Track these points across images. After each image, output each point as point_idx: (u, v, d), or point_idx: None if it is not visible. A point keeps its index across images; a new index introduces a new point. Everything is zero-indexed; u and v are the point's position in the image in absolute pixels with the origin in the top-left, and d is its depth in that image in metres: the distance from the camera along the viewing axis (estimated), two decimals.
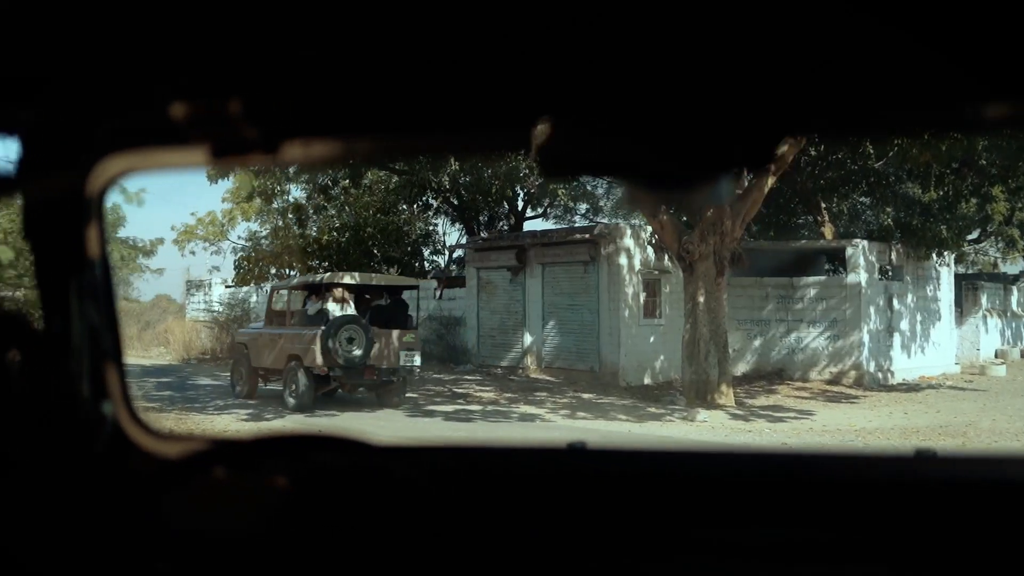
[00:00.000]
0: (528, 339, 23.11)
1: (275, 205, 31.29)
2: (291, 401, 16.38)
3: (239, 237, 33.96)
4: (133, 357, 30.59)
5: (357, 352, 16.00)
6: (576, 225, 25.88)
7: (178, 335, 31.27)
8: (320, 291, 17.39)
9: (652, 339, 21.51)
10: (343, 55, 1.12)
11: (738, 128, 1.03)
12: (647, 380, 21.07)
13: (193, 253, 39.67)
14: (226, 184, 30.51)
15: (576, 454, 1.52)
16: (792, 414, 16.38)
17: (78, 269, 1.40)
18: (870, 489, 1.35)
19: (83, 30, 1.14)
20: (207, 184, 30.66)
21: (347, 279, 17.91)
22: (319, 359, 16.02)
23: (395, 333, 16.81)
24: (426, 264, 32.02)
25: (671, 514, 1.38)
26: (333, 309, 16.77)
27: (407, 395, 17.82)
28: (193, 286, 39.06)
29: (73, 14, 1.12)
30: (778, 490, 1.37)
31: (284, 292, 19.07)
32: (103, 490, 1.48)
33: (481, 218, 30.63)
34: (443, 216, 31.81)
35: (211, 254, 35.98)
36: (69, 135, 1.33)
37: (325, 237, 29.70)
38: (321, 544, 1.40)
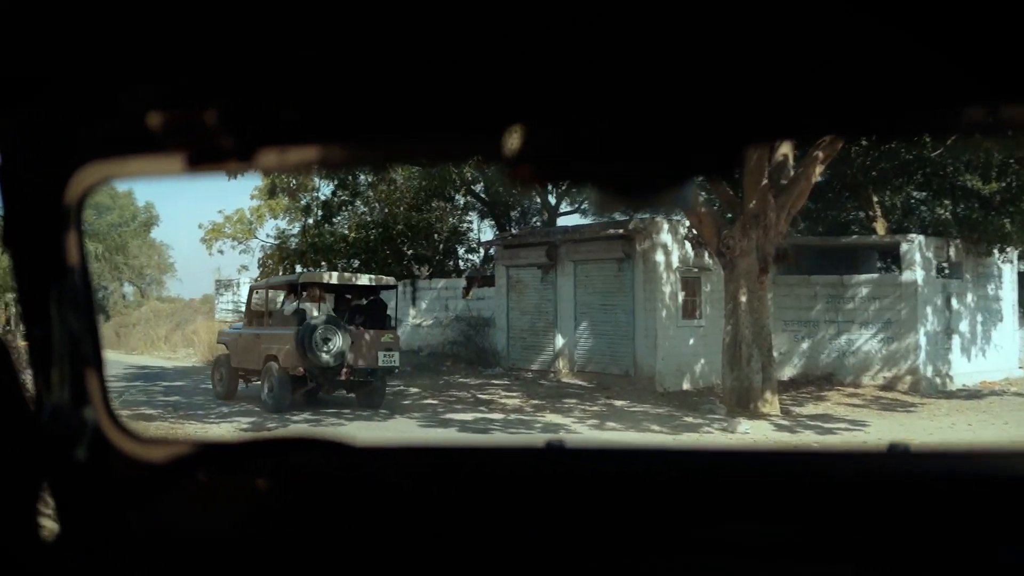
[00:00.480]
0: (560, 341, 21.99)
1: (303, 202, 30.58)
2: (269, 402, 16.18)
3: (268, 235, 33.49)
4: (158, 359, 30.18)
5: (333, 352, 15.83)
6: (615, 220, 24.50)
7: (203, 336, 30.42)
8: (297, 291, 17.40)
9: (691, 341, 20.24)
10: (322, 63, 1.14)
11: (704, 134, 1.05)
12: (686, 385, 19.83)
13: (221, 252, 39.64)
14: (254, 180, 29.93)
15: (555, 452, 1.54)
16: (843, 425, 14.94)
17: (58, 276, 1.42)
18: (848, 486, 1.36)
19: (62, 39, 1.15)
20: (238, 180, 29.99)
21: (324, 278, 18.06)
22: (294, 359, 15.88)
23: (373, 333, 16.62)
24: (461, 263, 31.14)
25: (649, 512, 1.38)
26: (310, 309, 16.73)
27: (425, 402, 17.17)
28: (222, 286, 38.61)
29: (52, 24, 1.13)
30: (756, 488, 1.37)
31: (262, 292, 18.81)
32: (86, 496, 1.47)
33: (513, 214, 29.53)
34: (474, 213, 30.82)
35: (239, 252, 35.60)
36: (47, 143, 1.35)
37: (352, 235, 28.84)
38: (304, 545, 1.42)
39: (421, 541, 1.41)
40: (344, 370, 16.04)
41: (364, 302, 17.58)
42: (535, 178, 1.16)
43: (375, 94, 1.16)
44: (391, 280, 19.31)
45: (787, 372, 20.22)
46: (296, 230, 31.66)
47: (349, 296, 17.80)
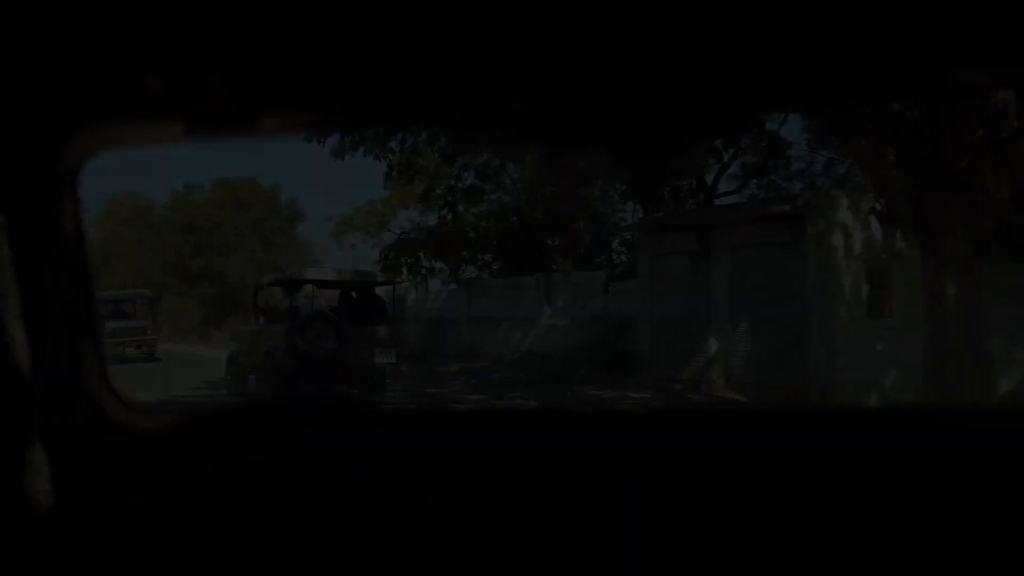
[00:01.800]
0: (714, 346, 18.99)
1: (438, 190, 28.22)
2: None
3: (401, 227, 31.59)
4: None
5: (325, 348, 16.32)
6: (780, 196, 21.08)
7: None
8: (291, 287, 18.04)
9: (879, 346, 16.85)
10: (323, 27, 1.14)
11: (715, 93, 1.06)
12: (873, 402, 16.41)
13: (353, 246, 38.13)
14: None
15: (583, 420, 1.55)
16: None
17: (52, 243, 1.41)
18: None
19: (53, 3, 1.16)
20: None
21: (319, 274, 19.06)
22: (287, 355, 16.34)
23: (369, 329, 17.10)
24: (613, 257, 28.14)
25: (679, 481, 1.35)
26: (304, 305, 17.39)
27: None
28: None
29: None
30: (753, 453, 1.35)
31: (266, 288, 19.84)
32: (80, 466, 1.46)
33: (664, 194, 26.22)
34: (615, 194, 27.79)
35: (371, 246, 34.04)
36: (41, 110, 1.33)
37: (483, 224, 26.12)
38: (302, 517, 1.39)
39: (431, 515, 1.35)
40: (338, 366, 16.41)
41: (361, 299, 17.96)
42: (540, 140, 1.14)
43: (378, 53, 1.14)
44: (388, 277, 20.03)
45: (1004, 384, 16.47)
46: (433, 221, 29.54)
47: (355, 293, 18.25)
